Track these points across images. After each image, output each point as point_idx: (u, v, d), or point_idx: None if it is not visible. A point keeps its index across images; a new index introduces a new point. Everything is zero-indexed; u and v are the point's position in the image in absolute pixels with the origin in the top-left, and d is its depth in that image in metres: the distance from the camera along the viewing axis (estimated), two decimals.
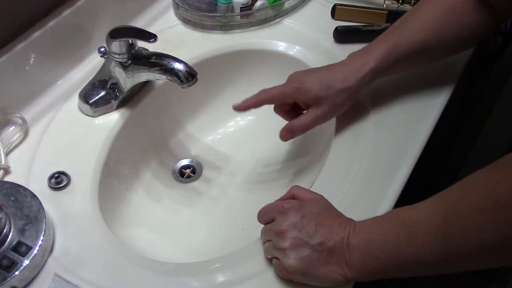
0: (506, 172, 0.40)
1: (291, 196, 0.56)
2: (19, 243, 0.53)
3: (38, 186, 0.62)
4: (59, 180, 0.63)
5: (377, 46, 0.65)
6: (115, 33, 0.66)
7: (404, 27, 0.65)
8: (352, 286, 0.52)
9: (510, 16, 0.65)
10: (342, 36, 0.80)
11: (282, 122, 0.80)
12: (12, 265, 0.52)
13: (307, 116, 0.64)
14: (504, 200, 0.38)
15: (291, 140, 0.79)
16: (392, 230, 0.47)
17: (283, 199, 0.57)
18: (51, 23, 0.69)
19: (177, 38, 0.82)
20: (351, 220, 0.52)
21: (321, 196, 0.55)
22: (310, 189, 0.61)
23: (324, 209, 0.54)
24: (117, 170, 0.70)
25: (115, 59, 0.67)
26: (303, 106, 0.66)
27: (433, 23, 0.64)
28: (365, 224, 0.50)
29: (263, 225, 0.56)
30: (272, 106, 0.75)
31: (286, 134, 0.66)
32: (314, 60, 0.78)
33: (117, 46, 0.66)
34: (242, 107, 0.67)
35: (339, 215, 0.53)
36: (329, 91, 0.63)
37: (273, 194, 0.60)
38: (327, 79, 0.63)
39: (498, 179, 0.40)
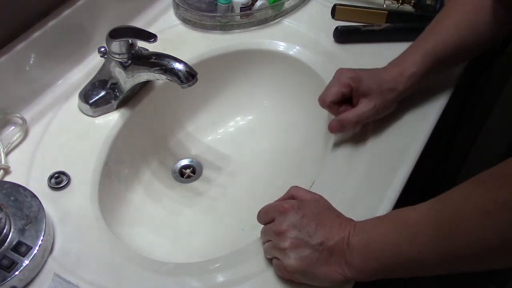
0: (510, 176, 0.40)
1: (290, 197, 0.56)
2: (19, 243, 0.53)
3: (38, 186, 0.62)
4: (59, 180, 0.63)
5: (414, 51, 0.65)
6: (115, 33, 0.66)
7: (439, 28, 0.66)
8: (352, 286, 0.52)
9: None
10: (342, 36, 0.80)
11: (282, 122, 0.81)
12: (12, 265, 0.52)
13: (359, 108, 0.63)
14: (509, 203, 0.39)
15: (291, 140, 0.79)
16: (393, 230, 0.47)
17: (282, 199, 0.57)
18: (51, 23, 0.69)
19: (177, 38, 0.82)
20: (351, 220, 0.52)
21: (320, 196, 0.55)
22: (310, 189, 0.61)
23: (324, 209, 0.54)
24: (117, 170, 0.70)
25: (115, 59, 0.67)
26: (354, 99, 0.64)
27: (467, 20, 0.64)
28: (366, 224, 0.50)
29: (263, 225, 0.56)
30: (272, 106, 0.75)
31: (335, 125, 0.64)
32: (314, 60, 0.78)
33: (117, 46, 0.66)
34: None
35: (339, 215, 0.53)
36: (380, 88, 0.63)
37: (273, 194, 0.60)
38: (377, 77, 0.64)
39: (503, 182, 0.40)
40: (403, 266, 0.47)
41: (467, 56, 0.69)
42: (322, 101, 0.65)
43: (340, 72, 0.65)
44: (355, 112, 0.63)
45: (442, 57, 0.65)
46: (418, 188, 0.51)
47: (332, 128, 0.64)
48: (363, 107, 0.63)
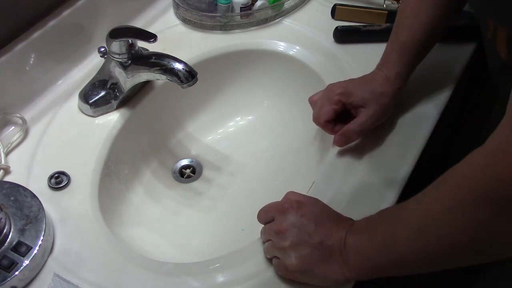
0: (465, 173, 0.40)
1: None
2: (19, 243, 0.53)
3: (38, 186, 0.62)
4: (59, 180, 0.63)
5: (392, 51, 0.66)
6: (115, 33, 0.66)
7: (403, 21, 0.66)
8: (352, 286, 0.52)
9: None
10: (342, 36, 0.80)
11: (282, 122, 0.81)
12: (12, 265, 0.52)
13: (360, 117, 0.64)
14: (467, 200, 0.39)
15: (291, 140, 0.79)
16: (380, 230, 0.47)
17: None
18: (51, 23, 0.69)
19: (177, 38, 0.82)
20: (349, 219, 0.52)
21: (317, 199, 0.56)
22: (310, 189, 0.61)
23: (322, 209, 0.54)
24: (117, 170, 0.70)
25: (115, 59, 0.67)
26: (352, 112, 0.65)
27: (427, 4, 0.64)
28: (360, 224, 0.50)
29: (263, 225, 0.56)
30: (272, 106, 0.75)
31: (340, 138, 0.64)
32: (314, 60, 0.78)
33: (117, 46, 0.66)
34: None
35: (338, 214, 0.54)
36: (373, 94, 0.64)
37: (273, 194, 0.60)
38: (367, 85, 0.65)
39: (462, 178, 0.40)
40: (392, 265, 0.47)
41: (438, 35, 0.68)
42: (317, 121, 0.66)
43: (330, 89, 0.66)
44: (357, 122, 0.64)
45: (416, 48, 0.65)
46: (418, 188, 0.51)
47: (337, 142, 0.65)
48: (364, 116, 0.64)
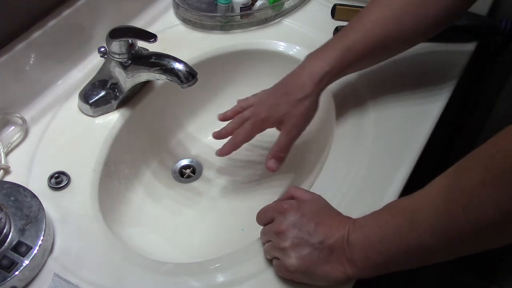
0: (501, 144, 0.39)
1: (289, 197, 0.56)
2: (19, 243, 0.53)
3: (38, 186, 0.62)
4: (59, 180, 0.63)
5: (333, 47, 0.64)
6: (115, 33, 0.66)
7: (361, 24, 0.64)
8: (352, 285, 0.52)
9: (472, 2, 0.63)
10: None
11: None
12: (12, 265, 0.52)
13: (282, 136, 0.66)
14: (503, 173, 0.38)
15: None
16: (392, 220, 0.47)
17: (281, 199, 0.57)
18: (51, 23, 0.69)
19: (177, 38, 0.82)
20: (350, 218, 0.52)
21: (319, 196, 0.55)
22: (310, 189, 0.61)
23: (323, 208, 0.54)
24: (117, 170, 0.70)
25: (115, 59, 0.67)
26: (277, 128, 0.68)
27: (392, 17, 0.62)
28: (364, 219, 0.50)
29: (262, 226, 0.56)
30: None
31: (272, 162, 0.67)
32: None
33: (117, 46, 0.66)
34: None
35: (338, 213, 0.54)
36: (289, 105, 0.64)
37: (273, 194, 0.60)
38: (285, 94, 0.65)
39: (495, 151, 0.39)
40: (406, 255, 0.46)
41: (393, 51, 0.67)
42: (235, 141, 0.69)
43: (254, 113, 0.67)
44: (279, 144, 0.66)
45: (363, 53, 0.63)
46: (418, 188, 0.51)
47: (271, 169, 0.67)
48: (282, 135, 0.66)
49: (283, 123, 0.65)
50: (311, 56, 0.66)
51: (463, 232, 0.42)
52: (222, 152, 0.70)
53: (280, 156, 0.67)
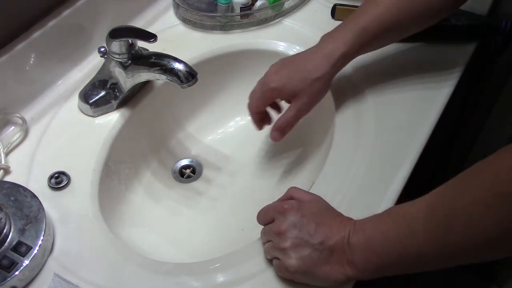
0: (505, 164, 0.40)
1: (289, 198, 0.56)
2: (19, 243, 0.53)
3: (38, 186, 0.62)
4: (59, 180, 0.63)
5: (348, 27, 0.65)
6: (115, 33, 0.66)
7: (375, 4, 0.65)
8: (352, 286, 0.52)
9: None
10: None
11: None
12: (12, 265, 0.52)
13: (290, 111, 0.66)
14: (506, 195, 0.38)
15: (291, 140, 0.79)
16: (393, 226, 0.47)
17: (281, 200, 0.57)
18: (51, 23, 0.69)
19: (177, 38, 0.82)
20: (350, 219, 0.52)
21: (319, 197, 0.55)
22: (309, 190, 0.61)
23: (323, 208, 0.54)
24: (117, 170, 0.70)
25: (115, 59, 0.67)
26: (286, 101, 0.68)
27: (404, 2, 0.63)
28: (365, 222, 0.50)
29: (263, 226, 0.56)
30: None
31: (276, 133, 0.67)
32: None
33: (117, 46, 0.66)
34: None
35: (339, 214, 0.53)
36: (304, 83, 0.64)
37: (273, 194, 0.60)
38: (301, 71, 0.65)
39: (498, 171, 0.40)
40: (404, 261, 0.47)
41: (406, 31, 0.68)
42: (249, 110, 0.70)
43: (266, 80, 0.67)
44: (286, 116, 0.66)
45: (378, 33, 0.64)
46: (418, 188, 0.51)
47: (274, 138, 0.68)
48: (291, 110, 0.66)
49: (295, 99, 0.65)
50: (326, 37, 0.66)
51: (462, 247, 0.42)
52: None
53: (285, 130, 0.67)
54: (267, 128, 0.83)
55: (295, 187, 0.57)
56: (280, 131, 0.67)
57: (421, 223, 0.45)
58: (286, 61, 0.68)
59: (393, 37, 0.68)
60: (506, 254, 0.42)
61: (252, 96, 0.69)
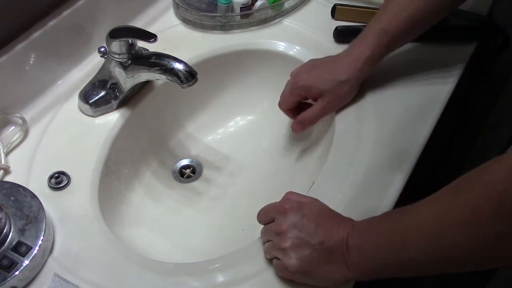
0: (488, 183, 0.40)
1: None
2: (19, 243, 0.53)
3: (38, 186, 0.62)
4: (59, 180, 0.63)
5: (371, 32, 0.67)
6: (115, 33, 0.66)
7: (392, 5, 0.66)
8: (352, 286, 0.52)
9: None
10: (342, 36, 0.80)
11: (281, 122, 0.81)
12: (12, 265, 0.52)
13: (314, 108, 0.68)
14: (487, 212, 0.39)
15: (291, 140, 0.80)
16: (385, 234, 0.47)
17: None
18: (51, 23, 0.69)
19: (177, 38, 0.82)
20: (350, 219, 0.52)
21: (317, 199, 0.55)
22: (309, 190, 0.61)
23: (322, 209, 0.54)
24: (117, 170, 0.70)
25: (115, 59, 0.67)
26: (312, 100, 0.69)
27: None
28: (363, 225, 0.50)
29: (263, 225, 0.56)
30: (272, 105, 0.75)
31: (297, 126, 0.70)
32: None
33: (117, 46, 0.66)
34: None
35: (338, 215, 0.54)
36: (332, 84, 0.67)
37: (273, 194, 0.60)
38: (330, 72, 0.67)
39: (482, 190, 0.40)
40: (397, 268, 0.47)
41: (426, 23, 0.69)
42: (280, 108, 0.73)
43: (295, 79, 0.69)
44: (310, 112, 0.69)
45: (398, 32, 0.66)
46: (418, 188, 0.51)
47: (294, 129, 0.71)
48: (316, 107, 0.68)
49: (322, 97, 0.67)
50: (354, 42, 0.69)
51: (452, 259, 0.43)
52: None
53: (305, 124, 0.70)
54: (267, 128, 0.83)
55: (291, 191, 0.57)
56: (302, 125, 0.70)
57: (413, 233, 0.45)
58: (318, 62, 0.70)
59: (416, 31, 0.69)
60: (495, 266, 0.42)
61: (282, 94, 0.71)
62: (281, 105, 0.72)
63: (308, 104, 0.70)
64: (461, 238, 0.41)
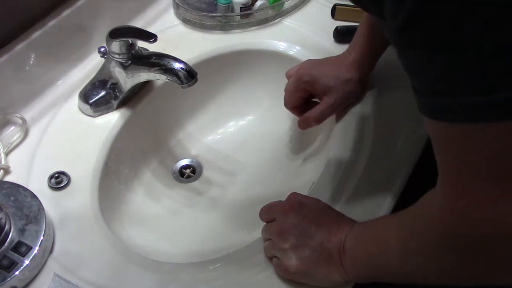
0: (427, 219, 0.40)
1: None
2: (19, 243, 0.53)
3: (38, 186, 0.62)
4: (59, 180, 0.63)
5: (360, 35, 0.68)
6: (115, 33, 0.65)
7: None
8: (352, 286, 0.52)
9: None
10: (342, 36, 0.80)
11: (281, 122, 0.81)
12: (12, 265, 0.52)
13: (321, 105, 0.68)
14: (432, 244, 0.40)
15: (291, 140, 0.80)
16: (372, 244, 0.48)
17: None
18: (51, 23, 0.69)
19: (177, 38, 0.82)
20: (351, 220, 0.52)
21: (319, 200, 0.56)
22: (309, 190, 0.61)
23: (323, 210, 0.54)
24: (117, 170, 0.70)
25: (115, 59, 0.67)
26: (317, 98, 0.69)
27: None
28: (358, 229, 0.50)
29: (263, 224, 0.56)
30: (272, 105, 0.75)
31: (302, 124, 0.70)
32: None
33: (117, 46, 0.66)
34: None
35: (339, 214, 0.54)
36: (338, 81, 0.66)
37: (273, 194, 0.60)
38: (335, 70, 0.67)
39: (423, 224, 0.41)
40: (385, 277, 0.48)
41: None
42: (286, 107, 0.72)
43: (298, 75, 0.68)
44: (316, 110, 0.68)
45: (372, 34, 0.66)
46: (418, 188, 0.51)
47: (300, 126, 0.70)
48: (323, 104, 0.67)
49: (327, 95, 0.67)
50: (352, 45, 0.69)
51: (424, 281, 0.43)
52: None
53: (310, 123, 0.69)
54: (267, 128, 0.83)
55: (295, 192, 0.57)
56: (307, 122, 0.69)
57: (388, 248, 0.45)
58: (322, 60, 0.70)
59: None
60: (469, 284, 0.42)
61: (286, 92, 0.71)
62: (287, 104, 0.71)
63: (314, 103, 0.70)
64: (422, 265, 0.42)
